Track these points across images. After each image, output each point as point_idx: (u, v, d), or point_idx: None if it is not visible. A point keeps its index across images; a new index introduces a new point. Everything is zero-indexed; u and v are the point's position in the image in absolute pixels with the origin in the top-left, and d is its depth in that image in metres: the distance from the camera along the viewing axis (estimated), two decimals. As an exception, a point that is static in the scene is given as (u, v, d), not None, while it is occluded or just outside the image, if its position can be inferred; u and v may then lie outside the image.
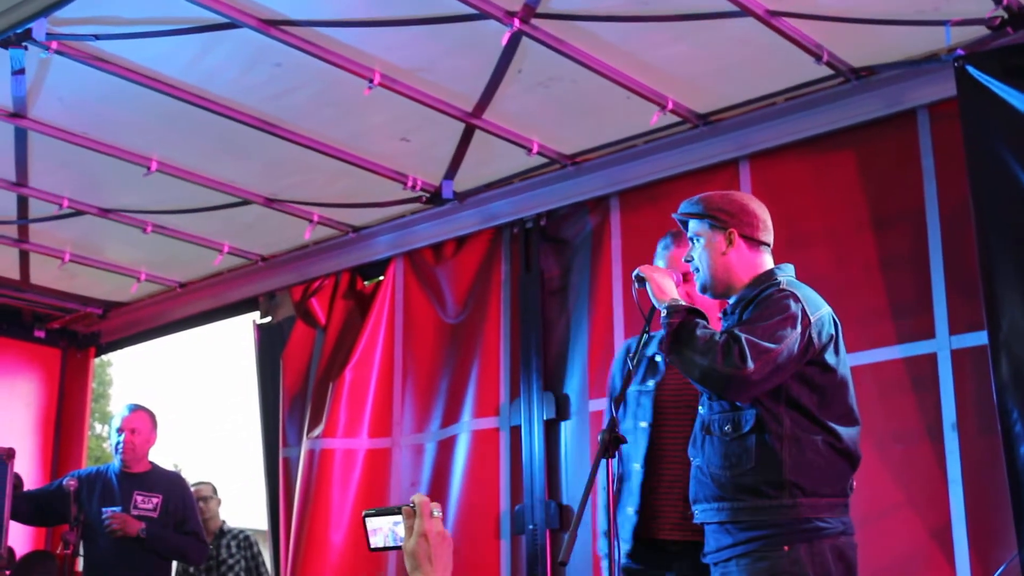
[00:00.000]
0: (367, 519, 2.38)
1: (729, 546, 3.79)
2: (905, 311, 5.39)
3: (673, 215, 4.14)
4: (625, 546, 4.35)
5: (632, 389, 4.52)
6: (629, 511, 4.39)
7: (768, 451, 3.74)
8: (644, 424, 4.44)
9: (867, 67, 5.42)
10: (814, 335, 3.80)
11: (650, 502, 4.37)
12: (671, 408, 4.42)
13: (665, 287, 3.94)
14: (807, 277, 5.53)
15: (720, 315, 4.12)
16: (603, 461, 3.61)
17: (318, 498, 7.13)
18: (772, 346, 3.67)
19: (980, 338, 4.95)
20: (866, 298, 5.48)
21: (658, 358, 4.42)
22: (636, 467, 4.42)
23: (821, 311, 3.88)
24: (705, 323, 3.80)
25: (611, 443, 3.61)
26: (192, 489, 8.83)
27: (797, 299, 3.83)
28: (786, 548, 3.69)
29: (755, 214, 4.09)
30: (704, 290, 4.04)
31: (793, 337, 3.73)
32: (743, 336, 3.66)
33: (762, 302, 3.83)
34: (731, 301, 4.02)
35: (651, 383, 4.48)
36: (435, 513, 2.30)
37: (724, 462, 3.80)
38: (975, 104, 4.98)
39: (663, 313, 3.85)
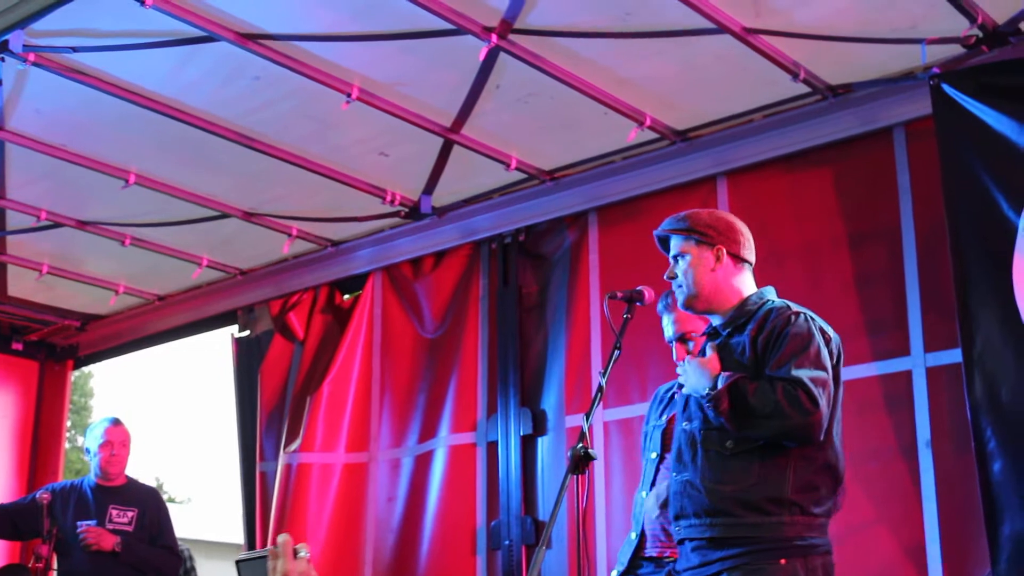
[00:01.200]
0: (240, 566, 2.35)
1: (719, 559, 3.75)
2: (880, 328, 5.40)
3: (656, 231, 4.13)
4: (620, 568, 4.39)
5: (650, 426, 4.64)
6: (632, 536, 4.48)
7: (773, 469, 3.74)
8: (653, 455, 4.54)
9: (844, 84, 5.44)
10: (834, 351, 3.86)
11: (644, 524, 4.48)
12: (670, 440, 4.38)
13: (706, 365, 3.82)
14: (783, 293, 5.56)
15: (704, 333, 4.11)
16: (573, 477, 3.60)
17: (295, 512, 7.11)
18: (824, 374, 3.72)
19: (955, 356, 4.97)
20: (842, 315, 5.46)
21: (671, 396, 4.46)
22: (643, 495, 4.51)
23: (829, 328, 3.92)
24: (743, 379, 3.72)
25: (581, 459, 3.61)
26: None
27: (811, 318, 3.87)
28: (783, 561, 3.69)
29: (741, 232, 4.12)
30: (687, 306, 4.04)
31: (828, 357, 3.80)
32: (804, 377, 3.65)
33: (782, 328, 3.81)
34: (717, 320, 4.01)
35: (663, 418, 4.56)
36: (300, 554, 2.27)
37: (723, 477, 3.77)
38: (950, 122, 5.01)
39: (707, 401, 3.76)
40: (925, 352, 5.23)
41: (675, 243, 4.06)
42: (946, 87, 5.02)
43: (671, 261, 4.06)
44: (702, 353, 3.93)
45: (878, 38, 5.03)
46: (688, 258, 4.02)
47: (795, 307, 3.91)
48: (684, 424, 3.92)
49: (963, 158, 4.95)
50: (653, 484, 4.50)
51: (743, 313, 3.94)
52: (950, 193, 4.98)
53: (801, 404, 3.62)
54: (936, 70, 5.09)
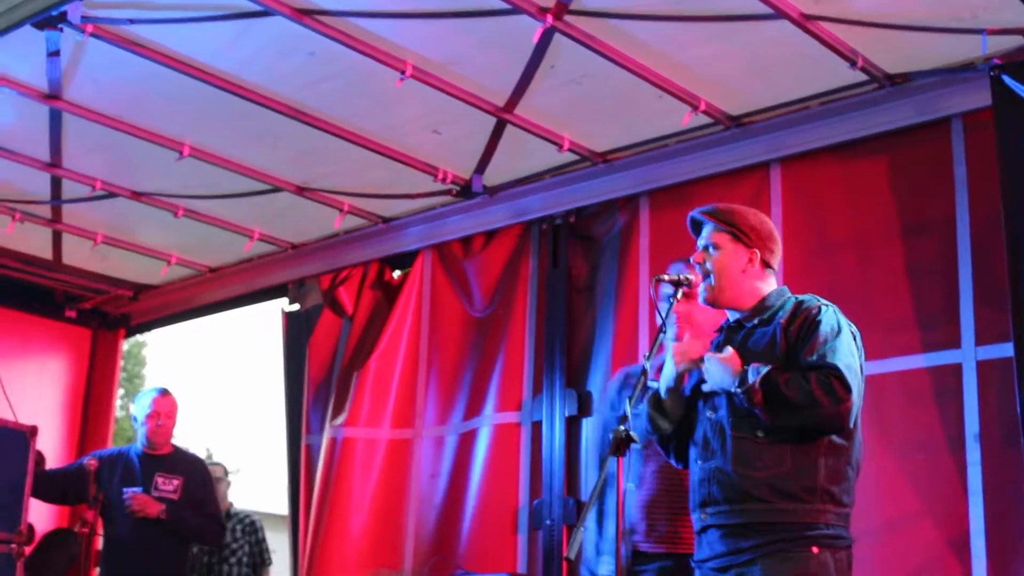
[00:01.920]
0: None
1: (750, 548, 3.75)
2: (931, 320, 5.35)
3: (695, 213, 4.12)
4: (610, 564, 4.41)
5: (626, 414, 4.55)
6: (622, 529, 4.41)
7: (805, 457, 3.74)
8: (638, 447, 4.42)
9: (901, 74, 5.38)
10: (858, 345, 3.89)
11: (632, 518, 4.49)
12: None
13: (728, 362, 3.83)
14: (834, 282, 5.57)
15: (723, 327, 4.11)
16: (614, 459, 3.59)
17: (338, 486, 7.15)
18: (855, 363, 3.75)
19: (1006, 350, 4.92)
20: (893, 306, 5.45)
21: (651, 384, 4.41)
22: (631, 486, 4.50)
23: (852, 324, 3.94)
24: (774, 371, 3.72)
25: (622, 441, 3.60)
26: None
27: (838, 311, 3.91)
28: (815, 550, 3.70)
29: (777, 242, 4.14)
30: (710, 299, 4.03)
31: (858, 347, 3.85)
32: (839, 363, 3.68)
33: (815, 316, 3.83)
34: (734, 315, 4.03)
35: (642, 407, 4.42)
36: None
37: (756, 463, 3.77)
38: (1010, 114, 4.94)
39: (739, 395, 3.76)
40: (976, 345, 5.18)
41: (711, 231, 4.06)
42: (1006, 78, 4.95)
43: (702, 247, 4.05)
44: (716, 348, 3.94)
45: (938, 27, 4.97)
46: (721, 252, 4.02)
47: (824, 301, 3.93)
48: (709, 413, 3.91)
49: (1021, 150, 4.89)
50: (640, 476, 4.51)
51: (765, 307, 3.97)
52: (1007, 186, 4.92)
53: (835, 392, 3.64)
54: (996, 61, 5.02)
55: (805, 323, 3.83)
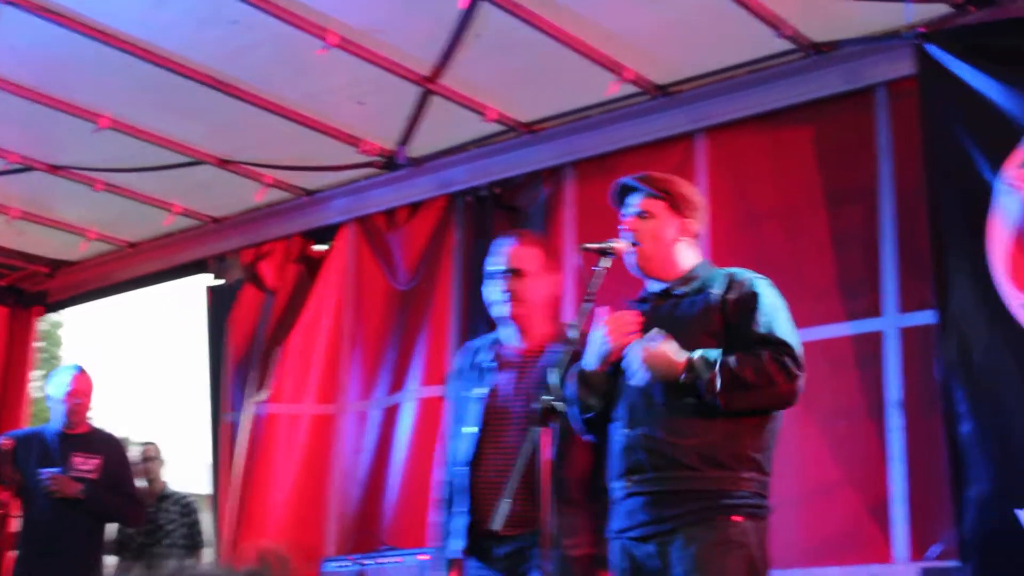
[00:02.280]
0: None
1: (673, 517, 3.74)
2: (855, 289, 5.39)
3: (628, 179, 4.10)
4: (460, 543, 4.37)
5: (462, 395, 4.56)
6: (464, 509, 4.41)
7: (733, 424, 3.74)
8: (474, 429, 4.45)
9: (827, 42, 5.41)
10: None
11: (477, 501, 4.38)
12: (496, 416, 4.41)
13: (666, 355, 3.75)
14: (760, 251, 5.59)
15: (645, 298, 4.10)
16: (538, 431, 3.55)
17: (261, 463, 7.08)
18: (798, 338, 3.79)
19: (928, 317, 4.97)
20: (816, 274, 5.48)
21: (486, 365, 4.43)
22: (462, 469, 4.44)
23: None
24: (723, 355, 3.70)
25: (547, 412, 3.55)
26: (140, 449, 8.76)
27: (771, 283, 3.94)
28: (737, 519, 3.70)
29: (703, 213, 4.17)
30: (639, 265, 4.01)
31: None
32: (789, 341, 3.70)
33: (749, 290, 3.84)
34: (657, 286, 4.01)
35: (482, 390, 4.49)
36: None
37: (686, 431, 3.75)
38: (933, 83, 4.99)
39: (691, 379, 3.71)
40: (898, 313, 5.22)
41: (642, 199, 4.03)
42: (930, 47, 4.99)
43: (629, 213, 4.03)
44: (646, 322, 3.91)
45: (864, -5, 5.00)
46: (654, 220, 4.01)
47: (754, 273, 3.95)
48: (632, 381, 3.89)
49: (944, 119, 4.94)
50: (472, 459, 4.43)
51: (692, 278, 3.98)
52: (930, 154, 4.97)
53: (788, 369, 3.65)
54: (921, 30, 5.05)
55: (743, 296, 3.83)
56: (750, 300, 3.81)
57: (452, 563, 4.45)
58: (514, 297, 4.45)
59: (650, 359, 3.76)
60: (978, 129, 4.84)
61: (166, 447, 8.90)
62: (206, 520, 8.61)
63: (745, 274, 3.94)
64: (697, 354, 3.71)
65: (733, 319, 3.81)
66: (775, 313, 3.80)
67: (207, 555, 8.60)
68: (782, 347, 3.68)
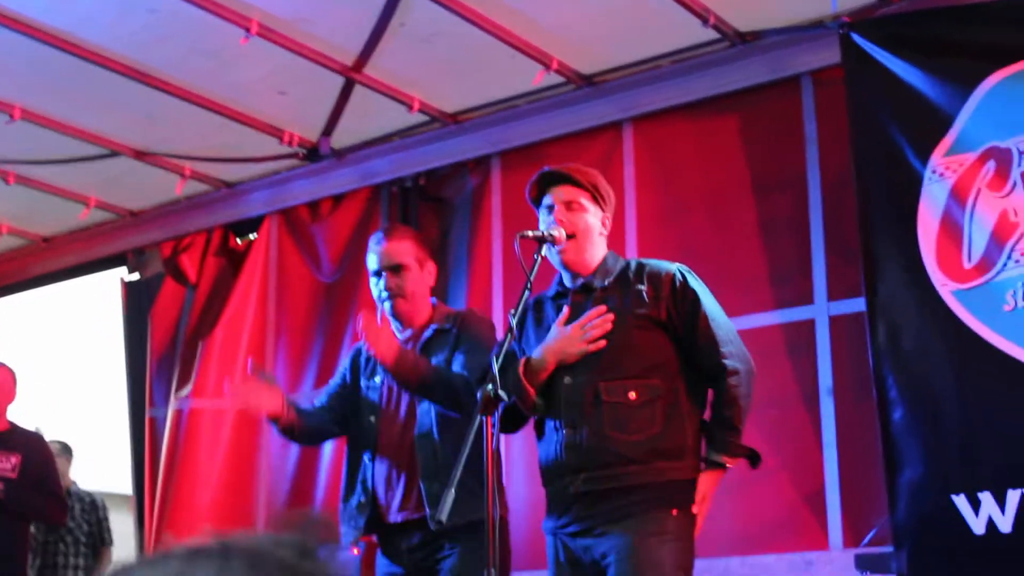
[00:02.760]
0: None
1: (612, 510, 3.82)
2: (784, 277, 5.42)
3: (560, 168, 4.10)
4: (356, 533, 4.42)
5: (362, 384, 4.64)
6: (362, 500, 4.46)
7: (674, 416, 3.86)
8: (373, 418, 4.56)
9: (753, 32, 5.42)
10: None
11: (375, 490, 4.47)
12: (391, 402, 4.54)
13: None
14: (688, 241, 5.60)
15: (570, 291, 4.12)
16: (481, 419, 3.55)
17: (185, 459, 6.98)
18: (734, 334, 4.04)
19: (858, 304, 5.00)
20: (746, 263, 5.50)
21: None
22: (367, 459, 4.52)
23: None
24: (728, 437, 3.90)
25: (490, 401, 3.54)
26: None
27: (689, 271, 4.08)
28: (675, 512, 3.81)
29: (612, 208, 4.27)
30: (565, 258, 4.03)
31: None
32: (733, 362, 3.92)
33: (683, 288, 3.98)
34: (574, 280, 4.08)
35: (377, 380, 4.59)
36: None
37: (631, 427, 3.83)
38: (859, 71, 5.00)
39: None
40: (829, 300, 5.26)
41: (571, 191, 4.06)
42: (855, 36, 5.01)
43: (563, 203, 4.02)
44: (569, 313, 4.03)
45: (789, -15, 5.01)
46: (585, 213, 4.06)
47: (671, 264, 4.08)
48: (567, 379, 3.90)
49: (871, 107, 4.96)
50: (374, 448, 4.51)
51: (607, 270, 4.06)
52: (857, 142, 4.99)
53: (743, 382, 3.92)
54: (846, 19, 5.07)
55: (678, 295, 3.96)
56: (691, 303, 3.96)
57: (367, 546, 4.50)
58: (397, 293, 4.53)
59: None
60: (905, 118, 4.87)
61: (79, 444, 8.74)
62: (112, 520, 8.47)
63: (665, 265, 4.04)
64: (712, 456, 3.88)
65: (678, 321, 3.95)
66: (714, 313, 3.98)
67: (113, 553, 8.46)
68: (731, 373, 3.90)
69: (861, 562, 4.82)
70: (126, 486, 7.70)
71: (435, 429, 4.34)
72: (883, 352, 4.77)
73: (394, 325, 4.59)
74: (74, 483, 8.53)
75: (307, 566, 0.98)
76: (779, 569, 5.10)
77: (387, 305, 4.55)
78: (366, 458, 4.50)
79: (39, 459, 6.65)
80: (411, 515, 4.38)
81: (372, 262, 4.60)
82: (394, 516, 4.42)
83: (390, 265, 4.53)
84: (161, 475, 7.08)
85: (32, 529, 7.92)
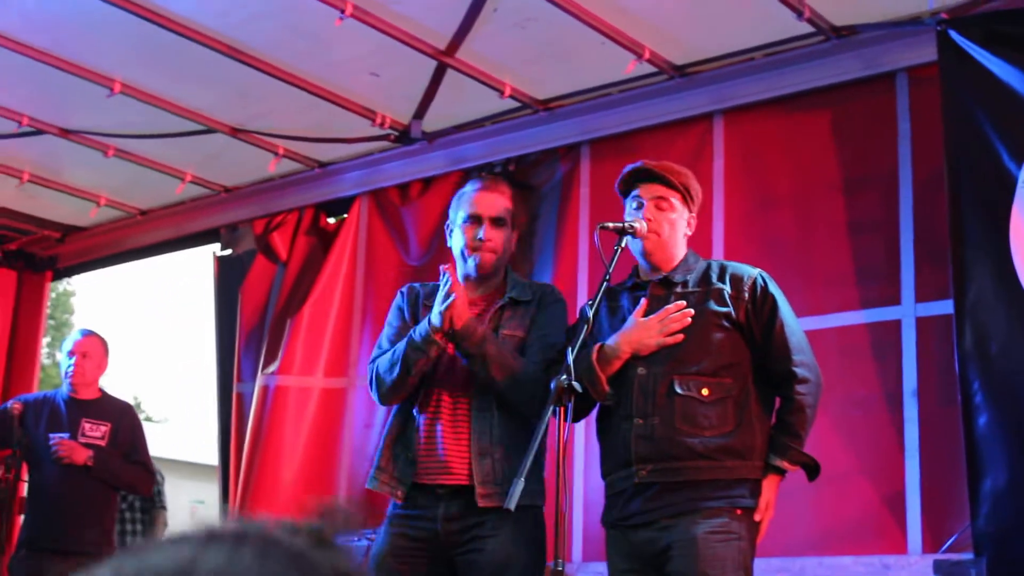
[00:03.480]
0: None
1: (677, 504, 3.82)
2: (872, 276, 5.35)
3: (650, 164, 4.08)
4: (403, 488, 4.20)
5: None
6: (408, 455, 4.23)
7: (745, 417, 3.87)
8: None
9: (848, 26, 5.34)
10: None
11: (418, 447, 4.23)
12: (445, 361, 4.24)
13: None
14: (775, 236, 5.55)
15: (632, 287, 4.14)
16: (555, 409, 3.54)
17: (270, 435, 7.05)
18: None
19: (946, 307, 4.93)
20: (833, 261, 5.44)
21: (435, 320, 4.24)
22: (413, 413, 4.27)
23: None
24: (789, 443, 3.91)
25: (564, 391, 3.55)
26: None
27: (769, 277, 4.08)
28: (739, 512, 3.82)
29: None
30: (651, 249, 4.01)
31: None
32: (802, 370, 3.91)
33: (763, 294, 3.98)
34: (653, 274, 4.07)
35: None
36: None
37: (703, 422, 3.84)
38: (955, 69, 4.92)
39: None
40: (916, 302, 5.18)
41: (663, 189, 4.08)
42: (953, 33, 4.93)
43: (653, 199, 4.01)
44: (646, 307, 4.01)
45: (886, -20, 4.94)
46: (674, 211, 4.07)
47: (752, 268, 4.08)
48: (640, 369, 3.89)
49: (966, 107, 4.87)
50: (426, 405, 4.26)
51: (689, 268, 4.07)
52: (951, 142, 4.91)
53: (818, 396, 3.94)
54: (943, 16, 5.00)
55: (758, 300, 3.96)
56: (769, 310, 3.96)
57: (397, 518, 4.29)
58: (494, 248, 4.30)
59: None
60: (1001, 118, 4.78)
61: (173, 417, 8.92)
62: (200, 489, 8.61)
63: (746, 271, 4.04)
64: (772, 462, 3.88)
65: (755, 326, 3.95)
66: (790, 321, 3.97)
67: (165, 518, 8.56)
68: (802, 382, 3.90)
69: (940, 568, 4.74)
70: (214, 457, 7.82)
71: (495, 405, 4.13)
72: (969, 356, 4.70)
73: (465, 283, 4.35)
74: None
75: (317, 556, 0.98)
76: (856, 571, 5.04)
77: (476, 256, 4.28)
78: (414, 412, 4.28)
79: (129, 428, 6.76)
80: (454, 483, 4.16)
81: (471, 205, 4.31)
82: (432, 478, 4.19)
83: (495, 216, 4.29)
84: (246, 449, 7.16)
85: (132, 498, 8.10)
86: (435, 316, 4.04)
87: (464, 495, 4.10)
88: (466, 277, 4.31)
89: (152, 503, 8.44)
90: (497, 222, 4.28)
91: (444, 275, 4.09)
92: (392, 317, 4.45)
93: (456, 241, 4.34)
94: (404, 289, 4.52)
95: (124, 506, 8.32)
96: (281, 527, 0.99)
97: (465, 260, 4.30)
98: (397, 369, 4.12)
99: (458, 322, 4.02)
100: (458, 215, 4.33)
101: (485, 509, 3.99)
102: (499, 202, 4.32)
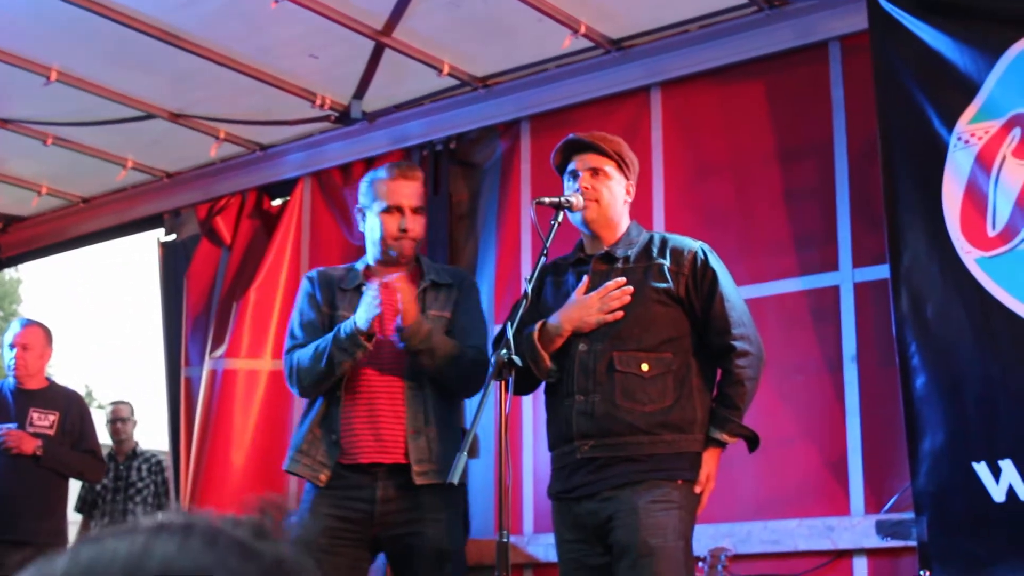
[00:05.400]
0: None
1: (619, 475, 3.90)
2: (809, 243, 5.41)
3: (583, 137, 4.12)
4: (327, 471, 4.27)
5: (338, 315, 4.42)
6: (333, 437, 4.29)
7: (685, 391, 3.94)
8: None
9: (781, -3, 5.39)
10: None
11: (353, 427, 4.30)
12: (371, 350, 4.29)
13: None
14: (714, 207, 5.61)
15: (576, 262, 4.19)
16: (496, 384, 3.59)
17: (219, 419, 7.05)
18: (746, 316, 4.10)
19: (882, 271, 4.99)
20: (771, 230, 5.50)
21: (363, 289, 4.33)
22: (339, 395, 4.33)
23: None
24: (726, 414, 3.97)
25: (504, 366, 3.59)
26: (111, 408, 8.75)
27: (710, 249, 4.16)
28: (680, 482, 3.90)
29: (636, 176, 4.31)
30: (592, 219, 4.06)
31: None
32: (740, 342, 3.97)
33: (704, 267, 4.03)
34: (594, 249, 4.14)
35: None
36: None
37: (643, 397, 3.89)
38: (886, 37, 4.98)
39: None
40: (853, 267, 5.25)
41: (596, 159, 4.13)
42: (883, 2, 4.98)
43: (588, 170, 4.06)
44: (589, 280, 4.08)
45: (816, -51, 4.98)
46: (611, 180, 4.11)
47: (693, 240, 4.12)
48: (582, 346, 3.94)
49: (897, 74, 4.93)
50: (353, 387, 4.33)
51: (631, 241, 4.12)
52: (883, 109, 4.97)
53: (759, 370, 4.01)
54: (874, -16, 5.05)
55: (698, 273, 4.01)
56: (709, 284, 4.01)
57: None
58: (415, 236, 4.45)
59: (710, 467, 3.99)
60: (931, 84, 4.84)
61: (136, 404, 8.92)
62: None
63: (687, 244, 4.09)
64: (713, 433, 3.95)
65: (695, 301, 4.01)
66: (730, 295, 4.02)
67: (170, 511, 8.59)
68: (741, 354, 3.96)
69: (882, 528, 4.84)
70: (165, 442, 7.82)
71: (428, 385, 4.24)
72: (906, 319, 4.77)
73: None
74: (137, 444, 8.70)
75: (261, 546, 1.03)
76: (800, 534, 5.12)
77: (397, 245, 4.39)
78: (338, 395, 4.31)
79: (77, 416, 6.76)
80: (390, 461, 4.22)
81: (389, 195, 4.41)
82: (369, 457, 4.25)
83: (415, 206, 4.41)
84: (196, 433, 7.15)
85: (99, 488, 8.11)
86: (362, 321, 4.09)
87: (400, 474, 4.15)
88: (380, 262, 4.37)
89: (162, 497, 8.46)
90: (417, 211, 4.41)
91: (382, 279, 4.16)
92: (303, 303, 4.49)
93: (372, 228, 4.42)
94: (313, 274, 4.56)
95: (137, 500, 8.35)
96: (225, 520, 1.05)
97: (381, 247, 4.37)
98: (321, 366, 4.17)
99: (407, 319, 4.09)
100: (374, 203, 4.38)
101: (421, 487, 4.04)
102: (417, 190, 4.44)
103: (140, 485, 8.46)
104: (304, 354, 4.26)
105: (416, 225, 4.39)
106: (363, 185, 4.52)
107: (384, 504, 4.18)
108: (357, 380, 4.28)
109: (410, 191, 4.42)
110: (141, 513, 8.32)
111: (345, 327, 4.16)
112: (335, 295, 4.41)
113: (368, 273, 4.44)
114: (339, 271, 4.53)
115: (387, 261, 4.41)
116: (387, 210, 4.39)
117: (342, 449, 4.24)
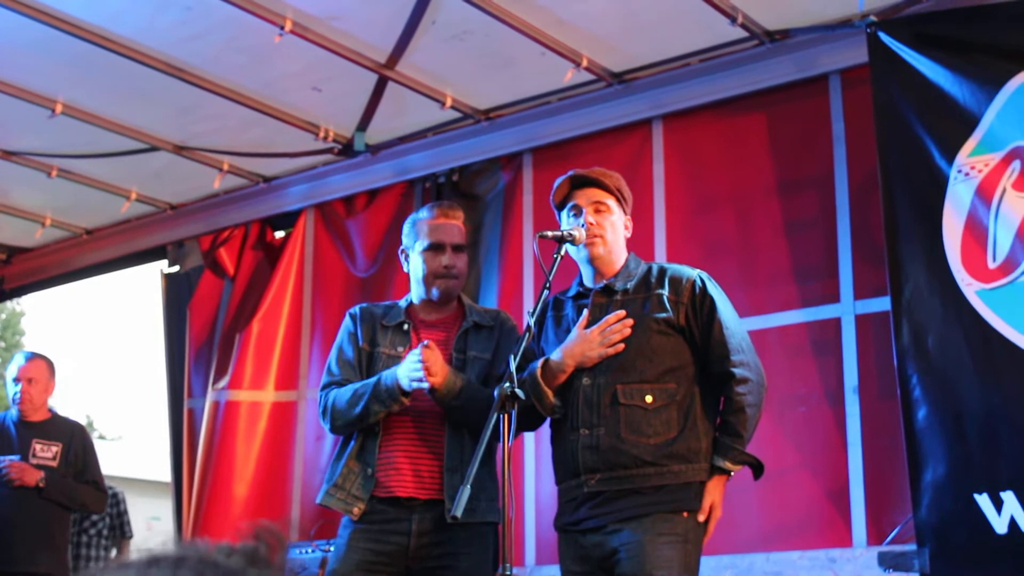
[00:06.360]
0: None
1: (625, 509, 3.87)
2: (811, 275, 5.43)
3: (585, 173, 4.13)
4: (361, 504, 4.25)
5: (381, 352, 4.42)
6: (368, 471, 4.28)
7: (690, 421, 3.91)
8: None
9: (781, 30, 5.43)
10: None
11: (391, 462, 4.28)
12: None
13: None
14: (716, 238, 5.62)
15: (576, 295, 4.19)
16: (499, 417, 3.59)
17: (222, 450, 7.06)
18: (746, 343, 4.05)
19: (883, 303, 5.01)
20: (772, 261, 5.52)
21: (405, 327, 4.40)
22: (376, 431, 4.30)
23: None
24: (733, 444, 3.92)
25: (507, 399, 3.59)
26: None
27: (709, 277, 4.11)
28: (685, 514, 3.87)
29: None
30: (595, 260, 4.07)
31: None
32: (740, 370, 3.92)
33: (703, 295, 4.00)
34: (594, 283, 4.12)
35: (400, 350, 4.38)
36: None
37: (648, 430, 3.88)
38: (886, 71, 5.01)
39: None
40: (855, 299, 5.27)
41: (599, 193, 4.12)
42: (883, 35, 5.01)
43: (591, 205, 4.07)
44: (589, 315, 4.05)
45: (816, -16, 5.03)
46: (612, 215, 4.11)
47: (691, 269, 4.10)
48: (586, 380, 3.95)
49: (897, 107, 4.96)
50: (391, 425, 4.31)
51: (630, 273, 4.11)
52: (883, 142, 4.99)
53: (761, 396, 3.95)
54: (873, 18, 5.08)
55: (698, 302, 4.00)
56: (708, 310, 3.99)
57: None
58: (459, 274, 4.42)
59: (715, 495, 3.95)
60: (931, 117, 4.87)
61: (127, 435, 8.91)
62: (155, 506, 8.61)
63: (685, 272, 4.08)
64: (716, 462, 3.90)
65: (696, 327, 3.98)
66: (729, 322, 4.00)
67: (132, 545, 8.55)
68: (741, 382, 3.91)
69: (884, 560, 4.83)
70: (167, 474, 7.81)
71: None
72: (907, 351, 4.78)
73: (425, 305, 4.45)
74: None
75: (252, 573, 1.03)
76: (803, 566, 5.12)
77: (442, 283, 4.37)
78: (376, 429, 4.29)
79: (80, 448, 6.75)
80: (427, 496, 4.22)
81: (431, 233, 4.39)
82: (403, 492, 4.24)
83: (456, 243, 4.38)
84: (199, 464, 7.16)
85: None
86: (404, 381, 4.09)
87: (435, 509, 4.17)
88: (424, 301, 4.38)
89: (117, 531, 8.42)
90: (459, 248, 4.38)
91: (421, 343, 4.14)
92: (343, 340, 4.49)
93: (416, 268, 4.41)
94: (356, 311, 4.55)
95: (91, 533, 8.30)
96: (218, 549, 1.05)
97: (426, 286, 4.36)
98: (356, 412, 4.19)
99: (439, 381, 4.09)
100: (417, 242, 4.40)
101: (453, 524, 4.05)
102: (458, 228, 4.43)
103: (95, 518, 8.38)
104: (342, 396, 4.26)
105: (459, 262, 4.39)
106: (406, 227, 4.53)
107: (419, 538, 4.19)
108: (397, 416, 4.31)
109: (452, 229, 4.42)
110: (95, 547, 8.29)
111: (386, 379, 4.16)
112: (376, 332, 4.42)
113: (411, 311, 4.46)
114: (381, 308, 4.55)
115: (430, 300, 4.43)
116: (429, 248, 4.38)
117: (377, 482, 4.26)
